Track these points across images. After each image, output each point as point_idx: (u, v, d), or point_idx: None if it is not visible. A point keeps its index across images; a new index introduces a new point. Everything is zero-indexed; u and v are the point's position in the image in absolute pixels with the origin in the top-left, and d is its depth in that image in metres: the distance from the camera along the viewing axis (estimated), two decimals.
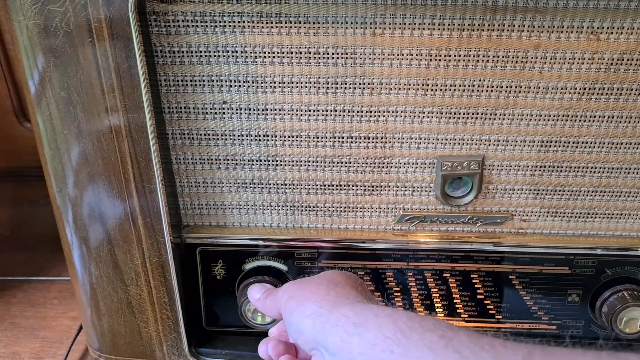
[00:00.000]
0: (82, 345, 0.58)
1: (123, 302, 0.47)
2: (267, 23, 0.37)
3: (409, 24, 0.37)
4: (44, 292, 0.65)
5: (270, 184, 0.44)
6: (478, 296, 0.50)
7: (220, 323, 0.51)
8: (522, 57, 0.38)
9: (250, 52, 0.38)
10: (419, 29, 0.37)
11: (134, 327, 0.49)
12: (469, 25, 0.37)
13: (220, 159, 0.43)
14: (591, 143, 0.42)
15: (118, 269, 0.46)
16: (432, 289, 0.50)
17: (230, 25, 0.37)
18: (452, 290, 0.49)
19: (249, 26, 0.37)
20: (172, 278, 0.47)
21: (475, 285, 0.49)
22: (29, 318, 0.61)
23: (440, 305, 0.50)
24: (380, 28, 0.37)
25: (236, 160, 0.43)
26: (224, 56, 0.38)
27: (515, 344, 0.26)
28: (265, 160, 0.43)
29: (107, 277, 0.46)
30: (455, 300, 0.50)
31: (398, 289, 0.49)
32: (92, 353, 0.52)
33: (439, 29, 0.37)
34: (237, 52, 0.38)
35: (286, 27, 0.37)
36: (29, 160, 0.73)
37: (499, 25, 0.37)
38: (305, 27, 0.37)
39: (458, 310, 0.50)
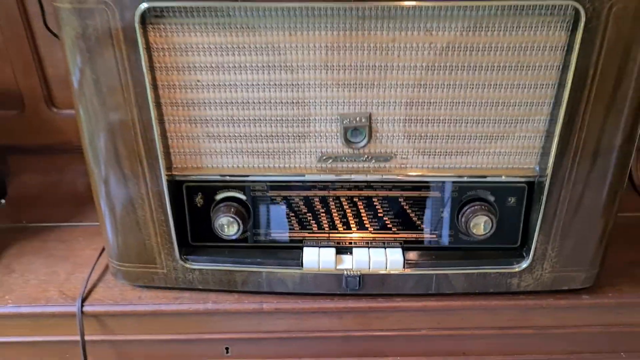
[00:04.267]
0: (102, 265, 0.79)
1: (133, 222, 0.68)
2: (223, 29, 0.58)
3: (313, 27, 0.58)
4: (71, 233, 0.85)
5: (231, 136, 0.65)
6: (379, 214, 0.71)
7: (201, 238, 0.72)
8: (386, 47, 0.59)
9: (213, 47, 0.59)
10: (318, 30, 0.58)
11: (140, 240, 0.70)
12: (350, 27, 0.58)
13: (196, 119, 0.64)
14: (440, 102, 0.62)
15: (129, 198, 0.67)
16: (347, 210, 0.71)
17: (199, 31, 0.59)
18: (361, 210, 0.71)
19: (211, 31, 0.59)
20: (167, 204, 0.67)
21: (376, 207, 0.70)
22: (61, 250, 0.82)
23: (353, 222, 0.71)
24: (294, 30, 0.58)
25: (207, 120, 0.64)
26: (196, 50, 0.59)
27: None
28: (227, 120, 0.64)
29: (122, 204, 0.67)
30: (363, 218, 0.71)
31: (323, 210, 0.71)
32: (111, 263, 0.73)
33: (332, 30, 0.58)
34: (204, 47, 0.59)
35: (235, 31, 0.58)
36: (56, 137, 0.94)
37: (369, 26, 0.58)
38: (247, 31, 0.58)
39: (366, 225, 0.71)
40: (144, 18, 0.57)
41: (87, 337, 0.73)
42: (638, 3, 0.54)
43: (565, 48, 0.58)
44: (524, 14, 0.57)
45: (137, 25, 0.56)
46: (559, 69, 0.59)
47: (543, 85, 0.60)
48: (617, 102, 0.59)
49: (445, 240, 0.71)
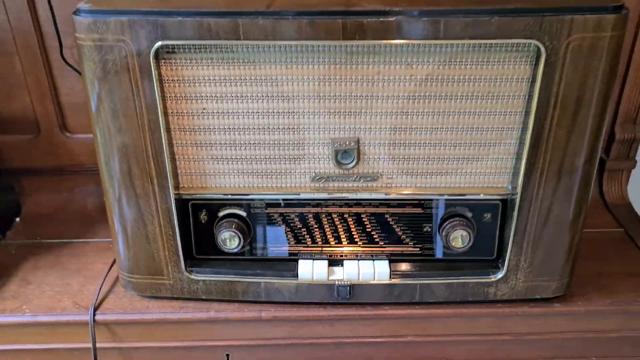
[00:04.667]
0: (112, 278, 0.85)
1: (143, 236, 0.74)
2: (227, 63, 0.66)
3: (307, 61, 0.65)
4: (82, 249, 0.91)
5: (233, 159, 0.72)
6: (367, 229, 0.77)
7: (205, 251, 0.78)
8: (371, 79, 0.66)
9: (218, 79, 0.67)
10: (312, 64, 0.65)
11: (149, 254, 0.76)
12: (339, 61, 0.65)
13: (202, 143, 0.70)
14: (421, 128, 0.69)
15: (140, 214, 0.73)
16: (338, 226, 0.77)
17: (205, 65, 0.66)
18: (351, 226, 0.77)
19: (216, 65, 0.66)
20: (174, 220, 0.74)
21: (365, 223, 0.77)
22: (74, 264, 0.88)
23: (344, 236, 0.78)
24: (290, 64, 0.66)
25: (212, 144, 0.70)
26: (203, 81, 0.67)
27: None
28: (229, 144, 0.71)
29: (134, 220, 0.74)
30: (353, 233, 0.77)
31: (316, 226, 0.77)
32: (121, 275, 0.79)
33: (323, 64, 0.65)
34: (210, 79, 0.66)
35: (237, 65, 0.65)
36: (68, 160, 1.01)
37: (357, 61, 0.65)
38: (248, 65, 0.66)
39: (356, 240, 0.78)
40: (157, 54, 0.64)
41: (98, 345, 0.79)
42: (591, 41, 0.61)
43: (530, 80, 0.65)
44: (492, 50, 0.64)
45: (151, 60, 0.63)
46: (525, 98, 0.67)
47: (511, 112, 0.68)
48: (577, 128, 0.66)
49: (428, 253, 0.78)
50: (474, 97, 0.67)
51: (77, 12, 0.63)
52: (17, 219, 0.99)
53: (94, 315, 0.78)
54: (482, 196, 0.74)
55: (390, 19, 0.61)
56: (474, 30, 0.61)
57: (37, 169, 1.00)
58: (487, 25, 0.61)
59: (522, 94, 0.66)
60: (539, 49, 0.62)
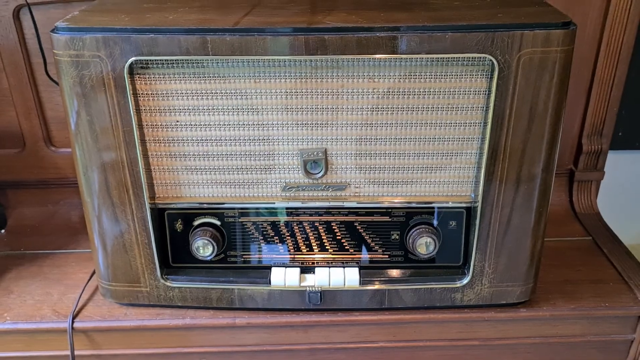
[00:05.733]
0: (92, 287, 0.87)
1: (120, 245, 0.77)
2: (198, 77, 0.69)
3: (274, 75, 0.69)
4: (65, 259, 0.93)
5: (206, 169, 0.74)
6: (337, 237, 0.80)
7: (180, 259, 0.81)
8: (336, 92, 0.69)
9: (190, 93, 0.70)
10: (279, 78, 0.68)
11: (126, 262, 0.78)
12: (305, 75, 0.68)
13: (176, 154, 0.73)
14: (385, 138, 0.72)
15: (117, 223, 0.76)
16: (309, 233, 0.80)
17: (178, 79, 0.69)
18: (322, 233, 0.80)
19: (188, 80, 0.69)
20: (150, 229, 0.76)
21: (335, 230, 0.80)
22: (56, 274, 0.90)
23: (315, 244, 0.81)
24: (258, 78, 0.69)
25: (185, 155, 0.73)
26: (176, 95, 0.70)
27: None
28: (202, 155, 0.74)
29: (111, 229, 0.76)
30: (324, 240, 0.80)
31: (288, 234, 0.80)
32: (100, 283, 0.82)
33: (290, 78, 0.68)
34: (182, 93, 0.70)
35: (208, 79, 0.69)
36: (52, 173, 1.04)
37: (321, 75, 0.68)
38: (219, 79, 0.69)
39: (326, 247, 0.81)
40: (131, 69, 0.67)
41: (76, 352, 0.81)
42: (541, 55, 0.65)
43: (486, 92, 0.69)
44: (449, 64, 0.68)
45: (126, 75, 0.67)
46: (482, 109, 0.70)
47: (470, 123, 0.71)
48: (532, 137, 0.69)
49: (396, 260, 0.80)
50: (434, 109, 0.70)
51: (55, 29, 0.66)
52: (2, 231, 1.01)
53: (73, 322, 0.80)
54: (448, 204, 0.77)
55: (349, 35, 0.64)
56: (429, 46, 0.65)
57: (22, 182, 1.03)
58: (441, 40, 0.64)
59: (480, 106, 0.70)
60: (492, 62, 0.66)
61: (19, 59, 0.95)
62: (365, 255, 0.81)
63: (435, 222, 0.78)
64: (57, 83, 0.91)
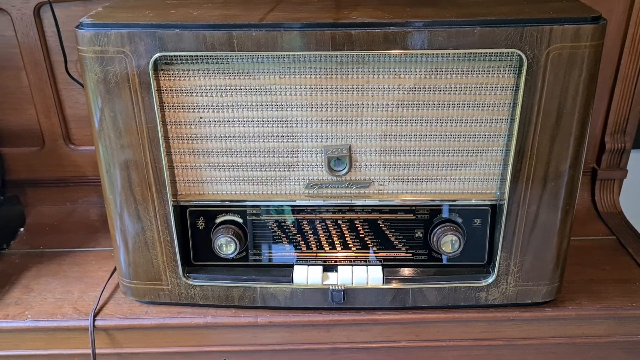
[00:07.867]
0: (113, 285, 0.87)
1: (142, 242, 0.77)
2: (222, 73, 0.69)
3: (299, 71, 0.68)
4: (84, 257, 0.93)
5: (229, 166, 0.74)
6: (360, 235, 0.79)
7: (202, 257, 0.80)
8: (361, 88, 0.69)
9: (214, 89, 0.70)
10: (304, 74, 0.68)
11: (148, 259, 0.78)
12: (330, 71, 0.68)
13: (199, 151, 0.73)
14: (410, 135, 0.72)
15: (140, 221, 0.75)
16: (332, 231, 0.79)
17: (202, 75, 0.69)
18: (344, 231, 0.79)
19: (213, 76, 0.69)
20: (172, 227, 0.76)
21: (358, 228, 0.79)
22: (76, 272, 0.90)
23: (337, 242, 0.80)
24: (283, 74, 0.68)
25: (208, 152, 0.73)
26: (200, 91, 0.69)
27: None
28: (225, 152, 0.73)
29: (133, 227, 0.76)
30: (346, 238, 0.80)
31: (311, 232, 0.79)
32: (121, 281, 0.81)
33: (315, 74, 0.68)
34: (207, 89, 0.69)
35: (233, 75, 0.68)
36: (71, 171, 1.04)
37: (347, 71, 0.68)
38: (243, 75, 0.69)
39: (349, 245, 0.80)
40: (156, 65, 0.67)
41: (97, 350, 0.81)
42: (570, 50, 0.64)
43: (514, 88, 0.68)
44: (476, 60, 0.67)
45: (150, 71, 0.66)
46: (509, 105, 0.69)
47: (497, 120, 0.70)
48: (560, 134, 0.68)
49: (419, 258, 0.80)
50: (461, 105, 0.69)
51: (79, 25, 0.66)
52: (22, 229, 1.01)
53: (94, 320, 0.80)
54: (472, 202, 0.76)
55: (377, 30, 0.63)
56: (457, 41, 0.64)
57: (41, 180, 1.03)
58: (470, 35, 0.64)
59: (507, 102, 0.69)
60: (521, 58, 0.65)
61: (39, 56, 0.95)
62: (388, 254, 0.80)
63: (459, 220, 0.77)
64: (77, 81, 0.91)
